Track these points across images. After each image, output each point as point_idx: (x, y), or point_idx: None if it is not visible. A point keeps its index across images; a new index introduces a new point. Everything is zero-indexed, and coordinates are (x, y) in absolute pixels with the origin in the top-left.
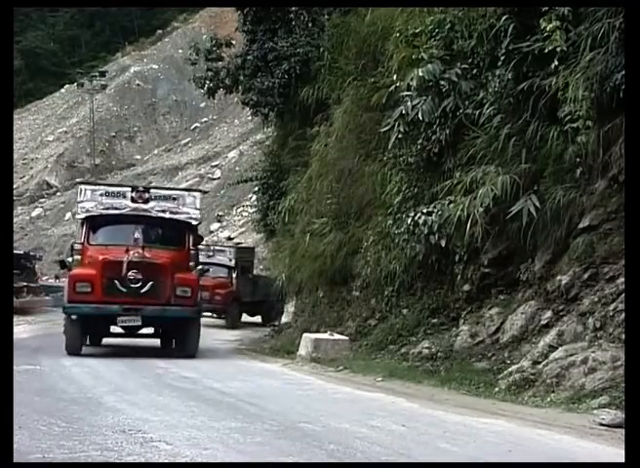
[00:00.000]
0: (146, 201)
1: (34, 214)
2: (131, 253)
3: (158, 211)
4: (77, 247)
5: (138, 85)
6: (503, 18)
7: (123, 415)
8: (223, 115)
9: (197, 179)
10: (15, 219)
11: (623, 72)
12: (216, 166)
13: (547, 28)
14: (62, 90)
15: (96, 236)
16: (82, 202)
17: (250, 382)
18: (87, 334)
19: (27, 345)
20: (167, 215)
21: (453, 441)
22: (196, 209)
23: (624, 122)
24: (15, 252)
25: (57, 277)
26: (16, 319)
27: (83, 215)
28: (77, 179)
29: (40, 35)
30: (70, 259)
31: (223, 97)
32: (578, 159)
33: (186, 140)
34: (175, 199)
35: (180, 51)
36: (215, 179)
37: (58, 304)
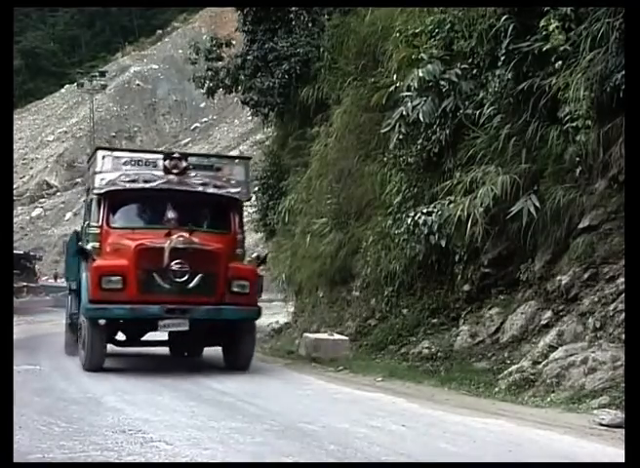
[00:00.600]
0: (183, 171)
1: (34, 214)
2: (174, 237)
3: (198, 184)
4: (93, 231)
5: (138, 85)
6: (503, 18)
7: (123, 415)
8: (223, 115)
9: None
10: (15, 219)
11: (623, 72)
12: None
13: (549, 28)
14: (62, 90)
15: (118, 216)
16: (100, 172)
17: (250, 382)
18: (110, 344)
19: (27, 345)
20: (210, 190)
21: (453, 441)
22: (245, 181)
23: (624, 122)
24: (15, 252)
25: (55, 277)
26: (15, 319)
27: (103, 190)
28: (77, 179)
29: (40, 35)
30: (90, 247)
31: (223, 96)
32: (578, 159)
33: (186, 140)
34: (219, 169)
35: (180, 51)
36: None
37: (58, 304)
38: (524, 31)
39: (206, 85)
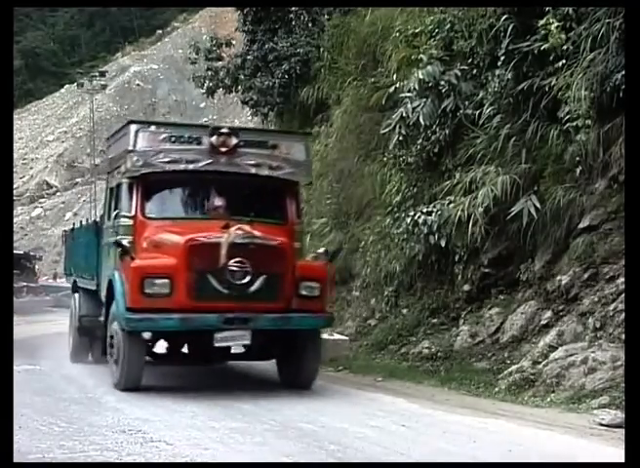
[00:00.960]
0: (233, 150)
1: (34, 214)
2: (232, 230)
3: (250, 164)
4: (125, 222)
5: (138, 85)
6: (503, 17)
7: (123, 415)
8: (223, 115)
9: None
10: (15, 219)
11: (623, 72)
12: None
13: (550, 28)
14: (62, 90)
15: (155, 204)
16: (134, 151)
17: (249, 382)
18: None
19: (27, 345)
20: (264, 172)
21: (453, 441)
22: (306, 161)
23: (624, 122)
24: (15, 252)
25: (55, 276)
26: (15, 319)
27: (138, 172)
28: (77, 179)
29: (40, 35)
30: (126, 242)
31: (223, 96)
32: (578, 159)
33: None
34: (275, 146)
35: (180, 51)
36: None
37: (58, 304)
38: (524, 31)
39: (206, 85)
